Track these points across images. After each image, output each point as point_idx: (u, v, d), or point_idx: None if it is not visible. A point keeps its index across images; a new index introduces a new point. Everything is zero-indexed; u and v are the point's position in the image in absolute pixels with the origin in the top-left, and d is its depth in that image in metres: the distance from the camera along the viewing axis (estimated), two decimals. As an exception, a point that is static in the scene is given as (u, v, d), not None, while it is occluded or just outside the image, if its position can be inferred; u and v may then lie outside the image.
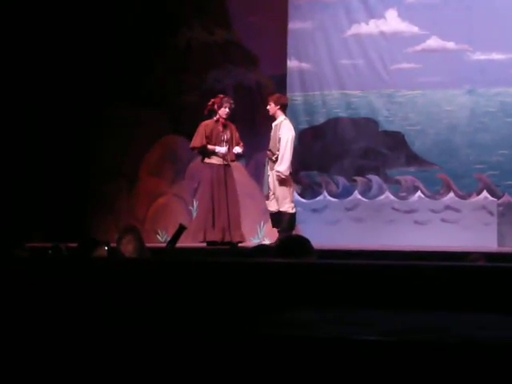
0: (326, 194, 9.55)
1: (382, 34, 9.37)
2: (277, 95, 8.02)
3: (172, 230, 8.06)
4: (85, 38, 9.94)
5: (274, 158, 7.75)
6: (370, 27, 9.42)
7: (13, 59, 9.70)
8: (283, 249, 3.93)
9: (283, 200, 7.71)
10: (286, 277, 2.86)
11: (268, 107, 7.90)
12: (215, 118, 7.93)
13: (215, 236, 7.76)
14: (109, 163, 10.07)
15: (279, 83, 9.77)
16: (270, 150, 7.82)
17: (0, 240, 5.39)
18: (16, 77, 9.74)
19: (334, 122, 9.56)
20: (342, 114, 9.52)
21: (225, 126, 7.90)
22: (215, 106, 7.88)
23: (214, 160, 7.89)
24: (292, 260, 3.54)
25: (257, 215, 9.74)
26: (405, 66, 9.27)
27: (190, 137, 10.22)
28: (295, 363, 1.94)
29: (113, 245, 5.03)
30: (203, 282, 2.94)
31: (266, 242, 8.54)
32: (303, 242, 3.98)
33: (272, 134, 7.86)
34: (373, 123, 9.40)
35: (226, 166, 7.89)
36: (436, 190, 9.13)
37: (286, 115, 7.91)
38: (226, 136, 7.91)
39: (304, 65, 9.68)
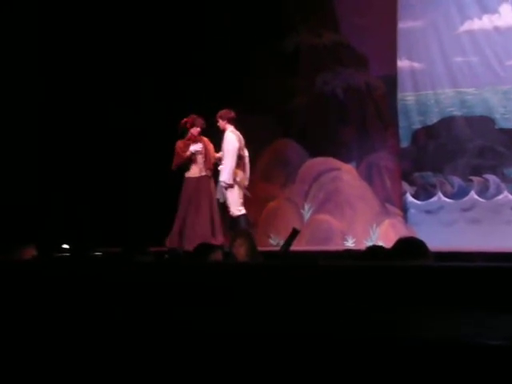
0: (440, 194, 9.35)
1: (497, 29, 9.10)
2: (222, 111, 8.30)
3: (284, 234, 8.09)
4: (195, 43, 10.12)
5: (219, 168, 8.25)
6: (484, 22, 9.16)
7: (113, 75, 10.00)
8: (399, 251, 3.88)
9: (230, 205, 8.18)
10: (403, 280, 2.81)
11: (218, 124, 8.28)
12: (187, 137, 8.33)
13: (176, 243, 8.11)
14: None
15: (389, 83, 9.66)
16: (220, 160, 8.29)
17: (123, 245, 5.57)
18: (120, 87, 10.05)
19: (447, 121, 9.36)
20: (456, 112, 9.30)
21: (196, 141, 8.31)
22: (188, 125, 8.29)
23: (195, 174, 8.29)
24: (409, 263, 3.49)
25: (369, 217, 9.65)
26: (521, 61, 8.96)
27: (300, 140, 10.28)
28: (414, 365, 1.91)
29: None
30: (316, 285, 2.93)
31: (380, 244, 8.43)
32: (419, 244, 3.91)
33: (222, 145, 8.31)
34: (489, 121, 9.14)
35: (206, 177, 8.30)
36: (557, 188, 8.78)
37: (235, 127, 8.26)
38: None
39: (415, 64, 9.52)
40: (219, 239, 8.15)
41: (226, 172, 8.15)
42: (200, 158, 8.29)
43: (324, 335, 2.09)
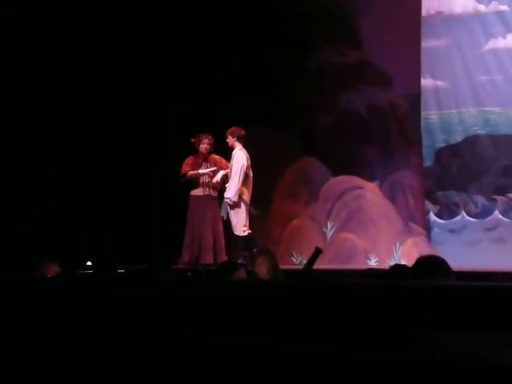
0: (464, 214, 9.29)
1: (521, 47, 9.07)
2: (233, 128, 8.41)
3: (307, 252, 8.08)
4: (220, 60, 10.17)
5: (226, 186, 8.33)
6: (508, 41, 9.14)
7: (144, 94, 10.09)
8: (420, 270, 3.86)
9: (236, 224, 8.25)
10: (424, 299, 2.80)
11: (227, 140, 8.39)
12: (197, 154, 8.60)
13: (191, 258, 8.39)
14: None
15: (413, 102, 9.64)
16: (226, 177, 8.41)
17: (147, 263, 5.59)
18: (154, 103, 10.13)
19: (471, 140, 9.32)
20: (481, 131, 9.25)
21: (205, 160, 8.55)
22: (195, 145, 8.58)
23: (199, 192, 8.51)
24: (430, 282, 3.47)
25: (392, 236, 9.61)
26: (546, 79, 8.91)
27: (323, 159, 10.26)
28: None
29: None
30: (338, 304, 2.92)
31: (403, 263, 8.39)
32: (440, 263, 3.89)
33: (230, 162, 8.40)
34: (513, 140, 9.09)
35: (210, 197, 8.48)
36: None
37: (243, 145, 8.36)
38: (209, 167, 8.55)
39: (439, 83, 9.50)
40: (221, 257, 8.30)
41: (232, 189, 8.21)
42: (205, 178, 8.46)
43: (344, 353, 2.08)
